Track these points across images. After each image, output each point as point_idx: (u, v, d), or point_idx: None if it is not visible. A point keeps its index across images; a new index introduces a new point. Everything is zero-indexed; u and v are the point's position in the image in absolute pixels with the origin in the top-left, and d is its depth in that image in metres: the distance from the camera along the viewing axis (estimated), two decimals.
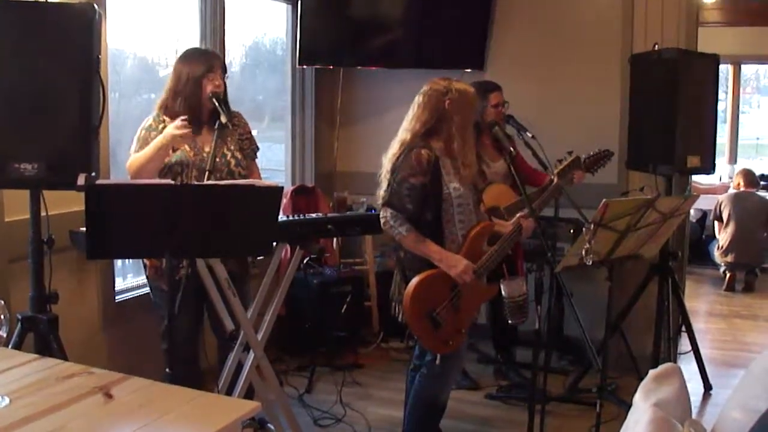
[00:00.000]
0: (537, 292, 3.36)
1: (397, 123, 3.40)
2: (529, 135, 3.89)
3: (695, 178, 6.28)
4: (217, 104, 3.31)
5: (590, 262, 3.06)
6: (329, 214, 4.29)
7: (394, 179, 3.25)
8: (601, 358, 3.55)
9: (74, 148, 2.80)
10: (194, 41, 4.49)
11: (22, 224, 3.03)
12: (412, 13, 5.32)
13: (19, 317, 2.95)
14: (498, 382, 4.63)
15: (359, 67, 5.50)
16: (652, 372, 1.97)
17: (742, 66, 9.94)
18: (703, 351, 4.65)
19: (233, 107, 3.57)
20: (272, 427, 3.68)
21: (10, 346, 2.71)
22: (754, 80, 11.72)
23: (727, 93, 9.74)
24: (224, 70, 3.44)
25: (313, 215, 3.96)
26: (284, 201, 5.00)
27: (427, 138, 3.28)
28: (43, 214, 2.93)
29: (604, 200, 3.02)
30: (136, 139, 3.36)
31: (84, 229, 2.57)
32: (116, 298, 3.97)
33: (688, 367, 4.51)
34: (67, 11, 2.86)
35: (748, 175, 7.72)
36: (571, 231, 4.49)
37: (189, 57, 3.41)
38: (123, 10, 4.04)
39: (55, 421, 1.65)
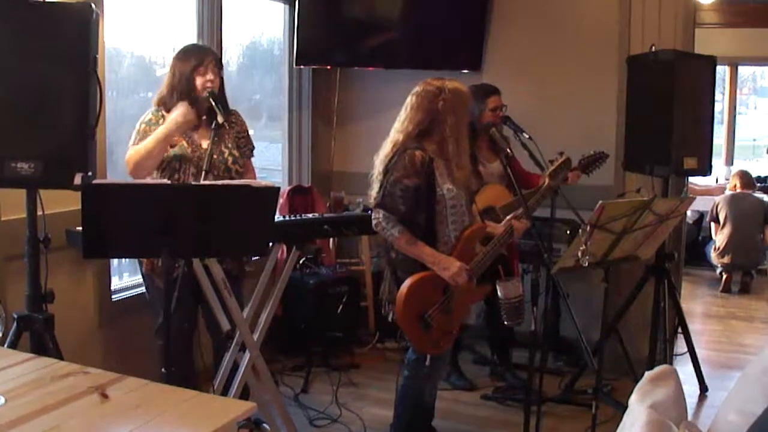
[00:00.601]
0: (533, 293, 3.36)
1: (394, 123, 3.39)
2: (526, 136, 3.89)
3: (692, 179, 6.30)
4: (213, 103, 3.32)
5: (586, 264, 3.06)
6: (326, 215, 4.29)
7: (388, 180, 3.21)
8: (597, 359, 3.55)
9: (71, 147, 2.79)
10: (191, 40, 4.48)
11: (19, 223, 3.03)
12: (409, 13, 5.32)
13: (15, 316, 2.94)
14: (494, 383, 4.63)
15: (356, 68, 5.50)
16: (647, 374, 1.97)
17: (739, 67, 9.95)
18: (699, 352, 4.66)
19: (231, 107, 3.58)
20: (268, 427, 3.68)
21: (5, 345, 2.71)
22: (750, 81, 11.73)
23: (723, 94, 9.75)
24: (218, 64, 3.44)
25: (310, 215, 3.97)
26: (281, 201, 5.00)
27: (421, 139, 3.25)
28: (39, 213, 2.93)
29: (600, 202, 3.02)
30: (135, 132, 3.37)
31: (80, 228, 2.57)
32: (112, 297, 3.96)
33: (684, 368, 4.52)
34: (65, 11, 2.85)
35: (745, 177, 7.72)
36: (568, 232, 4.51)
37: (182, 53, 3.45)
38: (120, 9, 4.04)
39: (51, 421, 1.65)
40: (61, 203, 3.23)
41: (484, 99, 4.23)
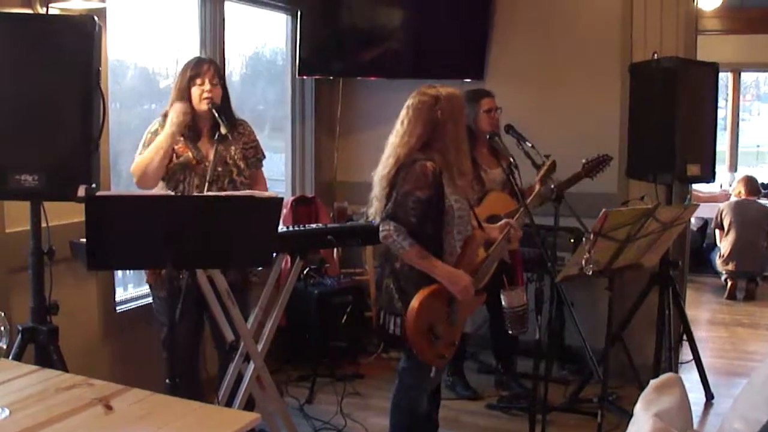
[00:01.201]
0: (537, 302, 3.36)
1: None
2: (529, 145, 3.89)
3: (696, 186, 6.29)
4: (216, 115, 3.33)
5: (590, 272, 3.06)
6: (329, 225, 4.29)
7: (398, 192, 3.12)
8: (602, 367, 3.54)
9: (74, 159, 2.80)
10: (194, 52, 4.49)
11: (23, 235, 3.03)
12: (411, 23, 5.33)
13: (20, 328, 2.95)
14: (499, 392, 4.62)
15: (359, 78, 5.51)
16: (653, 382, 1.96)
17: (742, 74, 9.95)
18: (704, 360, 4.64)
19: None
20: None
21: (10, 358, 2.71)
22: (754, 88, 11.72)
23: (727, 101, 9.75)
24: (217, 75, 3.43)
25: (313, 226, 3.97)
26: (284, 211, 5.00)
27: (424, 152, 3.18)
28: (43, 225, 2.94)
29: (603, 210, 3.02)
30: (142, 144, 3.41)
31: (84, 239, 2.57)
32: (117, 308, 3.96)
33: (690, 376, 4.51)
34: (67, 23, 2.87)
35: (749, 183, 7.69)
36: (571, 240, 4.50)
37: (184, 65, 3.47)
38: (124, 21, 4.05)
39: None
40: (65, 215, 3.24)
41: (478, 101, 4.24)
